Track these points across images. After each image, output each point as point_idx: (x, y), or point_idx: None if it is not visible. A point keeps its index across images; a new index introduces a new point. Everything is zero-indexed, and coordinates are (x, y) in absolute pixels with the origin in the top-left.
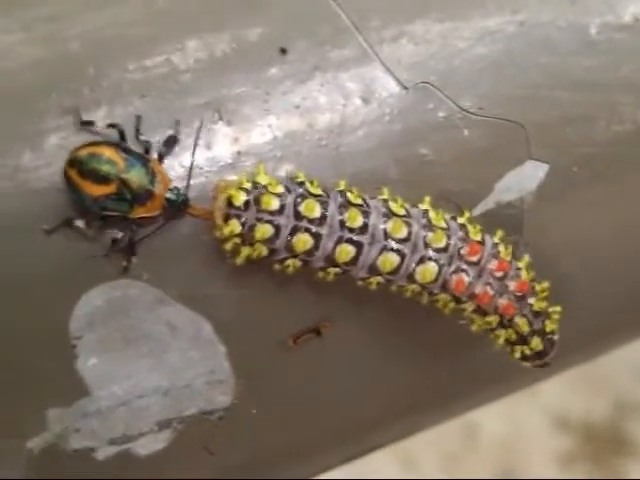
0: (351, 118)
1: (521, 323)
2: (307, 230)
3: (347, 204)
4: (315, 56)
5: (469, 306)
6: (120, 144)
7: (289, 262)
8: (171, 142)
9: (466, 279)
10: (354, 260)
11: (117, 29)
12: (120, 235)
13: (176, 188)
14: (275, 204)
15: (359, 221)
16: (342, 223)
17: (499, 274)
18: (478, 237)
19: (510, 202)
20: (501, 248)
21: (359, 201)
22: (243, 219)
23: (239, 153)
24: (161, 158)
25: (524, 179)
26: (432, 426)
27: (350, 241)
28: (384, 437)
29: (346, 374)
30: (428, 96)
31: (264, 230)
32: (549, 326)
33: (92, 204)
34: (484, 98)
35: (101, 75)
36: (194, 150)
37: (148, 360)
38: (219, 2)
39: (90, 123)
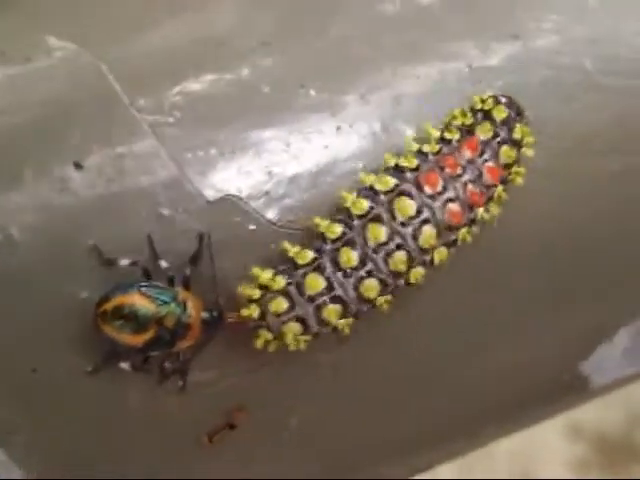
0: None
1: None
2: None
3: None
4: (112, 169)
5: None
6: (144, 285)
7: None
8: (193, 261)
9: (456, 207)
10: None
11: None
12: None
13: (208, 308)
14: (284, 306)
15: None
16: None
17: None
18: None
19: None
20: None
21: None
22: (268, 327)
23: None
24: (187, 284)
25: None
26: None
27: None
28: None
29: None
30: (234, 209)
31: (293, 328)
32: (521, 133)
33: (133, 351)
34: (294, 210)
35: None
36: (213, 264)
37: None
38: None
39: (112, 262)
